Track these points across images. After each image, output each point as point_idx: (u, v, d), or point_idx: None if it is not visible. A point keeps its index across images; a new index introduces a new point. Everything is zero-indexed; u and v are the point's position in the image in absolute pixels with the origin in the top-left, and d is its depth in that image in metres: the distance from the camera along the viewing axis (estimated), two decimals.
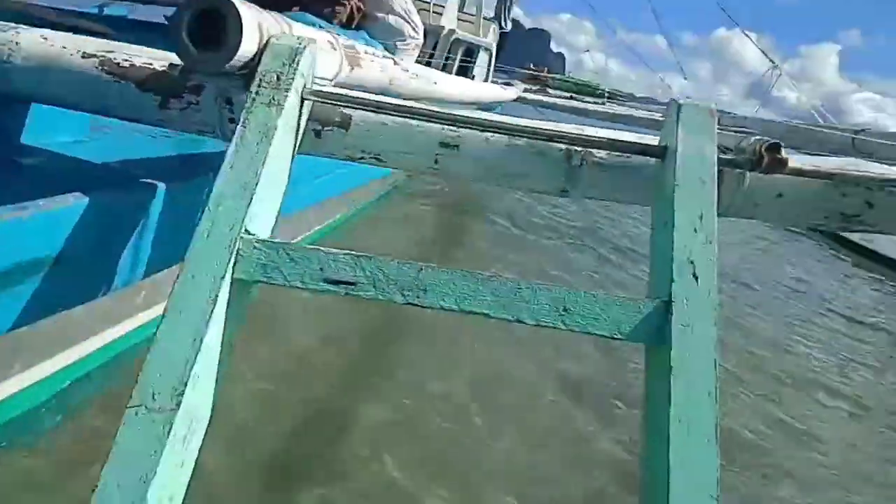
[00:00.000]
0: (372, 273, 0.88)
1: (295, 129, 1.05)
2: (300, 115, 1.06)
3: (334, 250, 0.91)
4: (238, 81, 1.06)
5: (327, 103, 1.08)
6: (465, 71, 6.27)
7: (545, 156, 1.09)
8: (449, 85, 2.38)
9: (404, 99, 2.03)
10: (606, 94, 12.54)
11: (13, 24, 1.21)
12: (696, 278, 0.83)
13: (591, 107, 6.64)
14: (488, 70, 5.92)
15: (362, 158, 1.17)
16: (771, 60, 5.43)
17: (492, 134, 1.07)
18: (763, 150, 0.94)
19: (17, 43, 1.17)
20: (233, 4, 0.96)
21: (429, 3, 6.13)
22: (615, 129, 1.23)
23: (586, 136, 1.04)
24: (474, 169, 1.15)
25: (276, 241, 0.92)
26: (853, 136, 2.72)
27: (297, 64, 1.01)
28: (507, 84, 9.24)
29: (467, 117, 1.06)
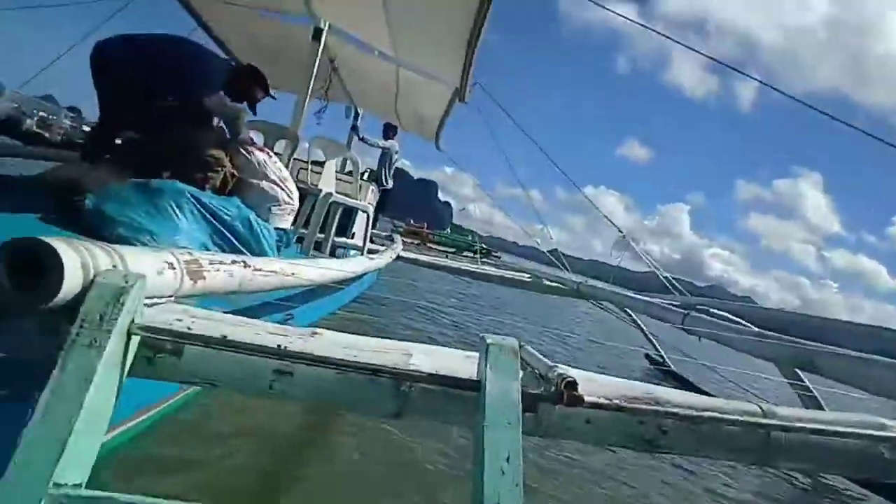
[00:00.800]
0: None
1: (120, 363, 1.04)
2: (127, 348, 1.05)
3: (148, 500, 0.88)
4: (63, 315, 1.04)
5: (157, 339, 1.08)
6: (343, 231, 6.48)
7: (375, 384, 1.13)
8: (310, 272, 2.44)
9: (264, 291, 2.07)
10: (482, 251, 13.33)
11: None
12: None
13: (464, 266, 7.01)
14: (367, 229, 6.13)
15: (196, 383, 1.16)
16: (619, 230, 6.12)
17: (321, 367, 1.11)
18: (563, 386, 1.04)
19: None
20: (53, 249, 0.97)
21: (307, 163, 6.39)
22: (445, 353, 1.31)
23: (410, 370, 1.11)
24: (308, 394, 1.17)
25: (88, 494, 0.88)
26: (684, 314, 3.06)
27: (123, 303, 1.02)
28: (389, 238, 9.60)
29: (297, 353, 1.10)
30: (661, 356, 7.83)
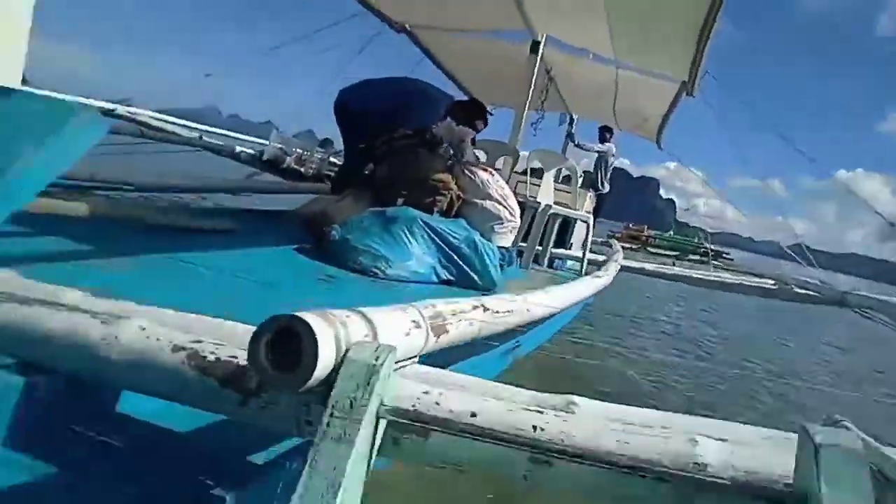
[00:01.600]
0: None
1: (368, 452, 0.97)
2: (375, 433, 0.99)
3: None
4: (317, 394, 1.01)
5: (404, 422, 1.00)
6: (562, 242, 6.38)
7: (653, 490, 0.93)
8: (546, 301, 2.32)
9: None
10: (711, 252, 12.12)
11: (118, 314, 1.25)
12: None
13: (694, 274, 6.34)
14: (587, 239, 5.94)
15: (443, 467, 1.07)
16: (885, 218, 4.98)
17: (582, 464, 0.93)
18: None
19: (116, 337, 1.19)
20: (309, 327, 0.93)
21: (525, 174, 6.39)
22: (744, 434, 1.04)
23: (701, 475, 0.87)
24: (569, 486, 1.00)
25: None
26: None
27: (373, 385, 0.95)
28: (606, 244, 9.21)
29: (554, 444, 0.94)
30: None
